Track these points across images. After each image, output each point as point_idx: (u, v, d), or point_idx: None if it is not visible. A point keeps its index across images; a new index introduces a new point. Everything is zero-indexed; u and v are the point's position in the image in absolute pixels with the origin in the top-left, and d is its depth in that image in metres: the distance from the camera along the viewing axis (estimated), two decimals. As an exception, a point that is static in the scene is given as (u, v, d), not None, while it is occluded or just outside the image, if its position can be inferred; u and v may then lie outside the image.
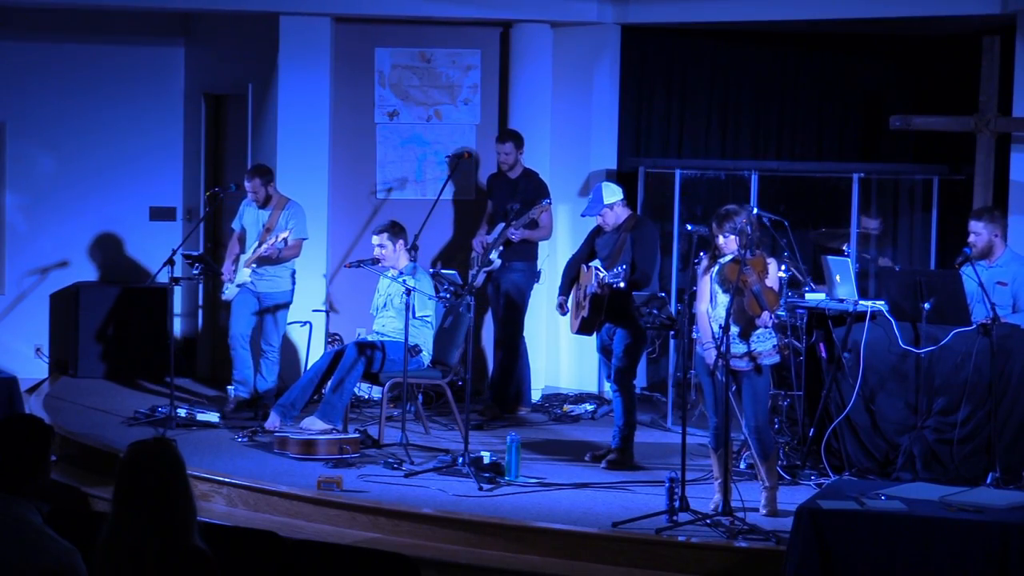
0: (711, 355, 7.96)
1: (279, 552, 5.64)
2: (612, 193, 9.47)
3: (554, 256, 11.53)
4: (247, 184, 10.70)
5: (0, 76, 12.47)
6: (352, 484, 8.70)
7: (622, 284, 8.97)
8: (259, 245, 10.59)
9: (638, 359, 9.50)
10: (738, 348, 7.96)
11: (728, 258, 7.97)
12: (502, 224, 10.74)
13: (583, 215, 9.83)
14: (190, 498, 4.66)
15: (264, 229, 10.64)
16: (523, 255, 10.91)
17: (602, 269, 9.15)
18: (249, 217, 10.81)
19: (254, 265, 10.61)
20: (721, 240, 7.97)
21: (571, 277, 9.64)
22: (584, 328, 9.48)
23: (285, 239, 10.49)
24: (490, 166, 11.43)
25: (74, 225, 12.61)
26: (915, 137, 11.55)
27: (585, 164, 11.91)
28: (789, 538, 6.97)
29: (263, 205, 10.71)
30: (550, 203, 10.78)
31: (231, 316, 10.80)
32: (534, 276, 11.04)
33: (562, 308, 9.68)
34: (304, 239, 10.75)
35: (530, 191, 10.90)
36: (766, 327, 7.97)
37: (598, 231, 9.60)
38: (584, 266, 9.48)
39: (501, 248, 10.57)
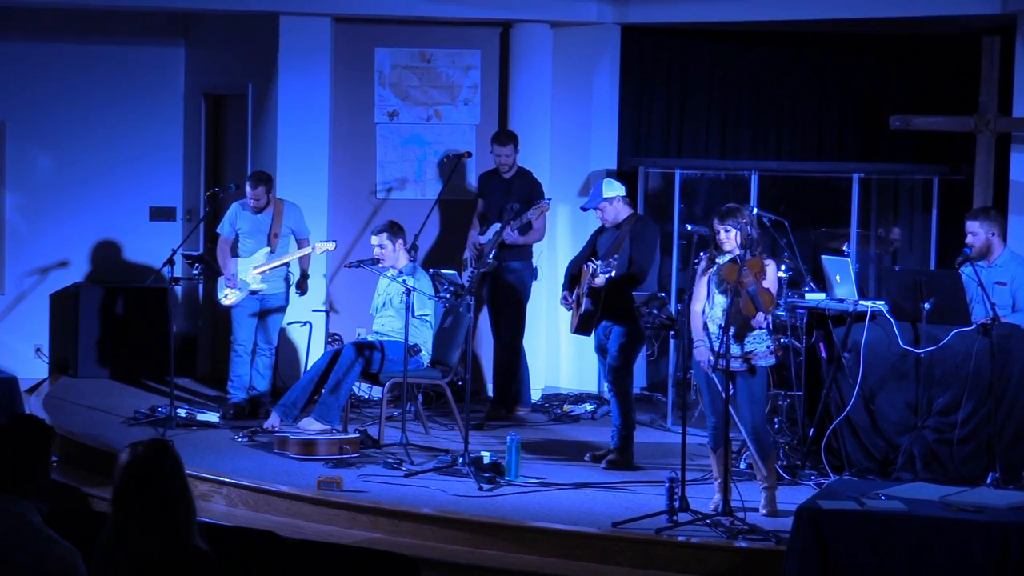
0: (700, 353, 7.99)
1: (279, 552, 5.65)
2: (613, 188, 9.48)
3: (553, 253, 11.53)
4: (250, 191, 10.56)
5: (0, 76, 12.47)
6: (352, 484, 8.70)
7: (612, 274, 8.98)
8: (271, 253, 10.56)
9: (633, 359, 9.47)
10: (733, 349, 7.94)
11: (727, 258, 7.97)
12: (497, 224, 10.69)
13: (583, 208, 9.86)
14: (189, 499, 4.66)
15: (272, 235, 10.61)
16: (519, 254, 10.89)
17: (595, 263, 9.16)
18: (246, 223, 10.68)
19: (266, 271, 10.59)
20: (722, 234, 7.96)
21: (573, 275, 9.64)
22: (583, 326, 9.46)
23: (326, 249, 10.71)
24: (485, 166, 11.41)
25: (74, 225, 12.60)
26: (915, 137, 11.54)
27: (585, 164, 11.91)
28: (789, 538, 6.98)
29: (262, 210, 10.68)
30: (550, 201, 10.77)
31: (236, 322, 10.70)
32: (531, 274, 11.02)
33: (566, 300, 9.64)
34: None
35: (525, 190, 10.88)
36: (761, 328, 7.97)
37: (600, 230, 9.61)
38: (584, 265, 9.48)
39: (495, 249, 10.56)
